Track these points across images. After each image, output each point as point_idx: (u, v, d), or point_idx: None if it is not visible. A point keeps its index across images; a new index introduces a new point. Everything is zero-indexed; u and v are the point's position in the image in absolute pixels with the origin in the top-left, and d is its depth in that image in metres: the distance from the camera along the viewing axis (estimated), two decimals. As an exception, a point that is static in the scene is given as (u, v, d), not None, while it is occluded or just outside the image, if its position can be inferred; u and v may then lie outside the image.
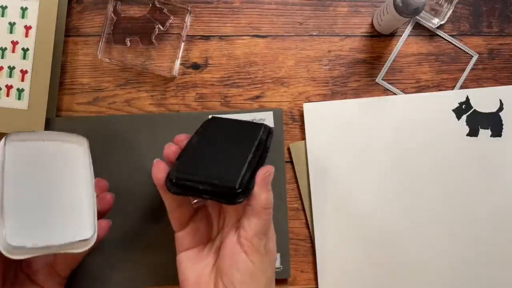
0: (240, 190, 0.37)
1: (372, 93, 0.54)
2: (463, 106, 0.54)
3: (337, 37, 0.55)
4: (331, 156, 0.52)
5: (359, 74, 0.54)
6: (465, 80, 0.55)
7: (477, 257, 0.52)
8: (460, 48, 0.55)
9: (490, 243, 0.52)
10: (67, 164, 0.42)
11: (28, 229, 0.38)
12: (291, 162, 0.53)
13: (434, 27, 0.55)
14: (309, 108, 0.53)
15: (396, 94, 0.54)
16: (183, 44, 0.53)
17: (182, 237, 0.41)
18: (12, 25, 0.49)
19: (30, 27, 0.49)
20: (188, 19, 0.53)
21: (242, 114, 0.52)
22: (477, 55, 0.55)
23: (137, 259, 0.50)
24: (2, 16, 0.49)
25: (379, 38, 0.55)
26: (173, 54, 0.53)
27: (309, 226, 0.52)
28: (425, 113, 0.53)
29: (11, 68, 0.49)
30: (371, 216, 0.52)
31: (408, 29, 0.55)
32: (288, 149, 0.53)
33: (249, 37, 0.54)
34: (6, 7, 0.49)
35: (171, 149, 0.41)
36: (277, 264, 0.50)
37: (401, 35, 0.55)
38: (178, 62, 0.53)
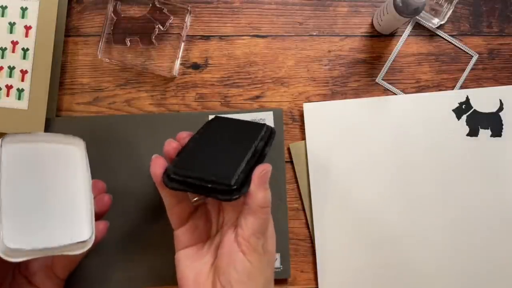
0: (235, 187, 0.36)
1: (372, 93, 0.54)
2: (463, 106, 0.54)
3: (337, 37, 0.55)
4: (331, 156, 0.52)
5: (359, 74, 0.54)
6: (465, 80, 0.55)
7: (477, 256, 0.52)
8: (460, 48, 0.55)
9: (490, 242, 0.52)
10: (64, 166, 0.42)
11: (26, 231, 0.38)
12: (291, 162, 0.53)
13: (434, 27, 0.55)
14: (309, 108, 0.53)
15: (396, 94, 0.54)
16: (183, 44, 0.53)
17: (181, 234, 0.41)
18: (12, 25, 0.49)
19: (30, 27, 0.49)
20: (188, 19, 0.53)
21: (242, 114, 0.52)
22: (477, 55, 0.55)
23: (136, 259, 0.50)
24: (2, 16, 0.49)
25: (379, 38, 0.55)
26: (173, 54, 0.53)
27: (309, 226, 0.52)
28: (425, 113, 0.53)
29: (11, 68, 0.49)
30: (371, 216, 0.52)
31: (408, 29, 0.55)
32: (288, 149, 0.53)
33: (249, 37, 0.54)
34: (6, 7, 0.49)
35: (172, 146, 0.41)
36: (277, 264, 0.50)
37: (401, 35, 0.55)
38: (178, 62, 0.53)
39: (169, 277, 0.48)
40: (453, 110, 0.53)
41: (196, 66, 0.53)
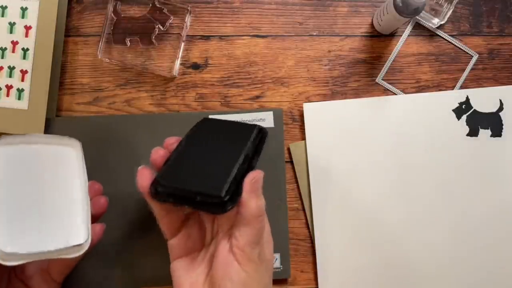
0: (227, 198, 0.34)
1: (372, 93, 0.54)
2: (463, 106, 0.54)
3: (337, 37, 0.55)
4: (331, 156, 0.52)
5: (359, 74, 0.54)
6: (465, 80, 0.55)
7: (477, 256, 0.52)
8: (460, 48, 0.55)
9: (491, 243, 0.52)
10: (59, 168, 0.41)
11: (21, 235, 0.38)
12: (291, 162, 0.53)
13: (434, 27, 0.55)
14: (309, 108, 0.53)
15: (396, 94, 0.54)
16: (183, 44, 0.53)
17: (174, 244, 0.40)
18: (12, 25, 0.49)
19: (30, 27, 0.49)
20: (188, 19, 0.53)
21: (242, 114, 0.52)
22: (477, 55, 0.55)
23: (136, 260, 0.50)
24: (2, 16, 0.49)
25: (379, 38, 0.55)
26: (173, 54, 0.53)
27: (309, 226, 0.52)
28: (425, 113, 0.53)
29: (11, 68, 0.49)
30: (371, 216, 0.52)
31: (408, 29, 0.55)
32: (288, 149, 0.53)
33: (249, 37, 0.54)
34: (6, 7, 0.49)
35: (159, 154, 0.39)
36: (277, 264, 0.50)
37: (401, 35, 0.55)
38: (178, 62, 0.53)
39: (168, 278, 0.48)
40: (453, 110, 0.54)
41: (196, 66, 0.53)
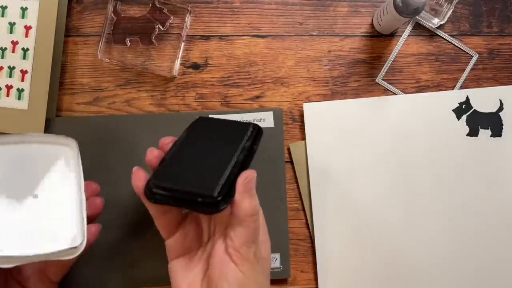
0: (220, 198, 0.34)
1: (372, 93, 0.54)
2: (463, 106, 0.54)
3: (337, 37, 0.55)
4: (331, 156, 0.52)
5: (359, 74, 0.54)
6: (465, 80, 0.55)
7: (477, 256, 0.52)
8: (460, 48, 0.55)
9: (491, 243, 0.52)
10: (56, 168, 0.41)
11: (15, 237, 0.37)
12: (291, 162, 0.53)
13: (434, 27, 0.55)
14: (309, 108, 0.53)
15: (396, 94, 0.54)
16: (183, 44, 0.53)
17: (172, 244, 0.40)
18: (12, 25, 0.49)
19: (30, 27, 0.49)
20: (188, 19, 0.53)
21: (242, 114, 0.52)
22: (477, 55, 0.55)
23: (135, 260, 0.49)
24: (2, 16, 0.49)
25: (379, 38, 0.55)
26: (173, 54, 0.53)
27: (309, 226, 0.52)
28: (425, 113, 0.53)
29: (11, 68, 0.49)
30: (371, 216, 0.52)
31: (408, 29, 0.55)
32: (288, 149, 0.53)
33: (249, 37, 0.54)
34: (6, 7, 0.49)
35: (154, 154, 0.39)
36: (277, 264, 0.50)
37: (401, 35, 0.55)
38: (178, 62, 0.53)
39: (168, 278, 0.48)
40: (453, 110, 0.53)
41: (196, 66, 0.53)
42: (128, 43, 0.52)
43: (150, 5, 0.53)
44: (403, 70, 0.55)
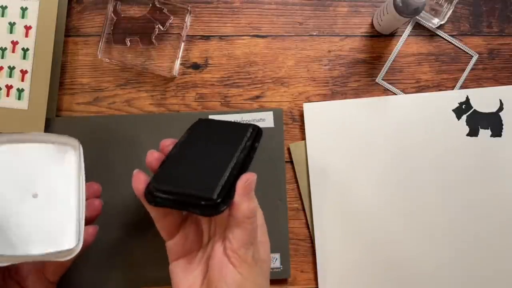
0: (219, 200, 0.35)
1: (372, 93, 0.54)
2: (463, 106, 0.54)
3: (337, 37, 0.55)
4: (331, 156, 0.52)
5: (359, 74, 0.54)
6: (465, 80, 0.55)
7: (477, 256, 0.52)
8: (460, 48, 0.55)
9: (490, 243, 0.52)
10: (56, 167, 0.41)
11: (11, 236, 0.37)
12: (291, 162, 0.53)
13: (434, 27, 0.55)
14: (309, 108, 0.53)
15: (396, 94, 0.54)
16: (183, 44, 0.53)
17: (172, 246, 0.40)
18: (12, 25, 0.49)
19: (30, 27, 0.49)
20: (188, 19, 0.53)
21: (242, 114, 0.52)
22: (477, 55, 0.55)
23: (135, 260, 0.50)
24: (2, 16, 0.49)
25: (379, 38, 0.55)
26: (173, 54, 0.53)
27: (309, 226, 0.52)
28: (425, 113, 0.53)
29: (11, 68, 0.49)
30: (371, 216, 0.52)
31: (408, 29, 0.55)
32: (288, 149, 0.53)
33: (249, 37, 0.54)
34: (6, 7, 0.49)
35: (154, 157, 0.39)
36: (277, 264, 0.50)
37: (401, 35, 0.55)
38: (178, 62, 0.53)
39: (168, 278, 0.48)
40: (453, 110, 0.53)
41: (196, 66, 0.53)
42: (128, 43, 0.52)
43: (150, 5, 0.53)
44: (403, 70, 0.55)
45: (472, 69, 0.55)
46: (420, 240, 0.52)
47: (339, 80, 0.54)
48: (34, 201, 0.40)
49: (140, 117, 0.52)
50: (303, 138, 0.53)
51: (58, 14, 0.49)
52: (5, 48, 0.49)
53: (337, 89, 0.54)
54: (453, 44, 0.55)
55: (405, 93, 0.54)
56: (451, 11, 0.54)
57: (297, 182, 0.52)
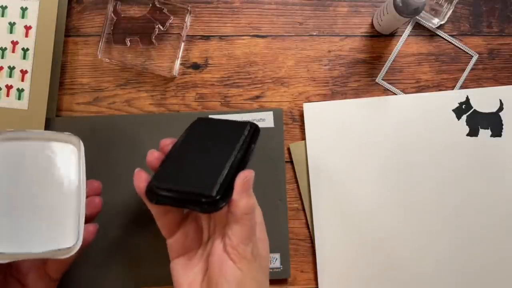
0: (218, 197, 0.35)
1: (372, 93, 0.54)
2: (463, 106, 0.54)
3: (337, 37, 0.55)
4: (331, 156, 0.52)
5: (359, 74, 0.54)
6: (465, 80, 0.55)
7: (477, 256, 0.52)
8: (460, 48, 0.55)
9: (491, 243, 0.52)
10: (57, 165, 0.41)
11: (10, 234, 0.37)
12: (291, 162, 0.53)
13: (434, 27, 0.55)
14: (309, 108, 0.53)
15: (396, 94, 0.54)
16: (183, 44, 0.53)
17: (172, 244, 0.40)
18: (12, 25, 0.49)
19: (30, 27, 0.49)
20: (188, 19, 0.53)
21: (242, 114, 0.52)
22: (477, 55, 0.55)
23: (136, 259, 0.50)
24: (2, 16, 0.49)
25: (379, 38, 0.55)
26: (173, 54, 0.53)
27: (309, 226, 0.52)
28: (425, 113, 0.53)
29: (11, 68, 0.49)
30: (371, 216, 0.52)
31: (408, 29, 0.55)
32: (288, 149, 0.53)
33: (249, 37, 0.54)
34: (6, 7, 0.49)
35: (154, 156, 0.40)
36: (277, 264, 0.50)
37: (401, 35, 0.55)
38: (178, 62, 0.53)
39: (168, 277, 0.48)
40: (453, 110, 0.54)
41: (196, 66, 0.53)
42: (128, 43, 0.52)
43: (150, 5, 0.53)
44: (403, 70, 0.55)
45: (472, 69, 0.55)
46: (420, 240, 0.52)
47: (339, 80, 0.54)
48: (35, 198, 0.40)
49: (140, 117, 0.52)
50: (303, 138, 0.53)
51: (58, 14, 0.49)
52: (5, 48, 0.49)
53: (337, 89, 0.54)
54: (453, 44, 0.55)
55: (405, 93, 0.54)
56: (451, 11, 0.54)
57: (297, 182, 0.52)
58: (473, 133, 0.53)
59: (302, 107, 0.53)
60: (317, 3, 0.55)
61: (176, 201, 0.37)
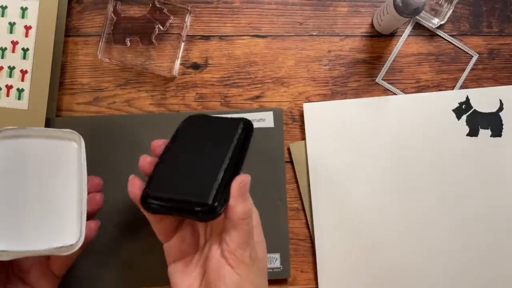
0: (216, 204, 0.35)
1: (372, 93, 0.54)
2: (463, 106, 0.54)
3: (337, 37, 0.55)
4: (331, 156, 0.52)
5: (359, 74, 0.54)
6: (465, 80, 0.55)
7: (476, 256, 0.52)
8: (460, 48, 0.55)
9: (490, 244, 0.52)
10: (58, 162, 0.41)
11: (12, 232, 0.37)
12: (291, 162, 0.53)
13: (434, 27, 0.55)
14: (309, 108, 0.53)
15: (396, 94, 0.54)
16: (183, 44, 0.53)
17: (169, 248, 0.40)
18: (12, 25, 0.49)
19: (30, 27, 0.49)
20: (188, 19, 0.53)
21: (242, 114, 0.52)
22: (477, 55, 0.55)
23: (136, 259, 0.49)
24: (2, 16, 0.49)
25: (379, 38, 0.55)
26: (173, 54, 0.53)
27: (309, 226, 0.52)
28: (425, 113, 0.53)
29: (11, 68, 0.49)
30: (371, 216, 0.52)
31: (408, 29, 0.55)
32: (288, 149, 0.53)
33: (249, 37, 0.54)
34: (6, 7, 0.49)
35: (146, 161, 0.39)
36: (277, 264, 0.50)
37: (401, 35, 0.55)
38: (178, 62, 0.53)
39: (168, 278, 0.48)
40: (453, 110, 0.53)
41: (196, 66, 0.53)
42: (128, 43, 0.52)
43: (150, 5, 0.53)
44: (403, 70, 0.55)
45: (472, 69, 0.55)
46: (419, 240, 0.52)
47: (339, 80, 0.54)
48: (36, 195, 0.40)
49: (140, 117, 0.52)
50: (303, 138, 0.53)
51: (58, 14, 0.49)
52: (5, 48, 0.49)
53: (337, 89, 0.54)
54: (453, 44, 0.55)
55: (405, 93, 0.54)
56: (451, 11, 0.54)
57: (297, 182, 0.52)
58: (473, 133, 0.53)
59: (302, 107, 0.53)
60: (317, 3, 0.55)
61: (172, 210, 0.36)
